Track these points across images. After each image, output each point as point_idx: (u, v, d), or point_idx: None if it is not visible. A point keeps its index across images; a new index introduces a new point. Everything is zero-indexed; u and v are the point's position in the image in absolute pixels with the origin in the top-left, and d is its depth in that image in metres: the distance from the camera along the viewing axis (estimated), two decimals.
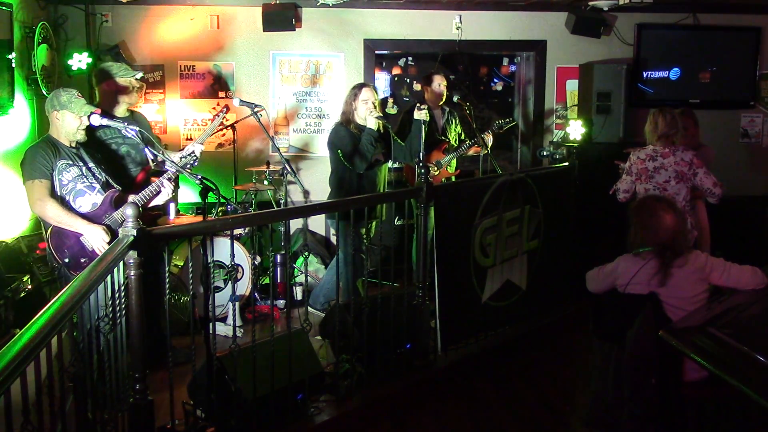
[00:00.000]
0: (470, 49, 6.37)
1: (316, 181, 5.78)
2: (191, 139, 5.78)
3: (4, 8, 4.38)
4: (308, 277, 4.94)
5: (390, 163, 5.37)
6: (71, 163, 3.44)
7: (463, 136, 5.46)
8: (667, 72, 6.34)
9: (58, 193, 3.39)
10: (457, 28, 6.07)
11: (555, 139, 6.26)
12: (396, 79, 8.06)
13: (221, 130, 5.27)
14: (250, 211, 4.95)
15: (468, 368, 4.05)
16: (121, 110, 3.98)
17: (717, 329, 2.63)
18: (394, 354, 3.74)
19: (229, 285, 4.16)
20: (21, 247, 4.13)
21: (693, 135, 4.77)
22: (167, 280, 3.24)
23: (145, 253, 2.63)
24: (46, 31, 5.03)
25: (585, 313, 3.94)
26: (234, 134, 5.25)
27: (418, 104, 4.84)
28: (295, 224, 5.59)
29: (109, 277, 2.43)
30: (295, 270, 5.41)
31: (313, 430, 3.27)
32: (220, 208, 4.40)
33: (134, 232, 2.57)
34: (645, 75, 6.29)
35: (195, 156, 3.88)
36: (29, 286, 3.85)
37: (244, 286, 4.82)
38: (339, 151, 4.62)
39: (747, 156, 6.61)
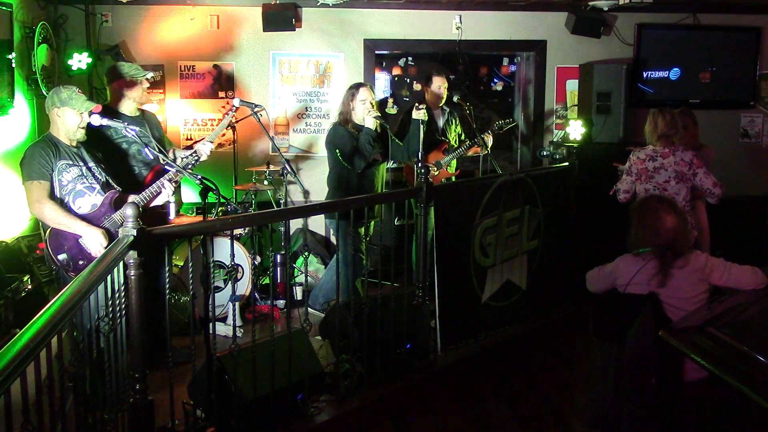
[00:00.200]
0: (470, 49, 6.37)
1: (316, 181, 5.78)
2: (191, 138, 5.78)
3: (4, 8, 4.38)
4: (308, 277, 4.94)
5: (390, 163, 5.37)
6: (71, 163, 3.42)
7: (463, 137, 5.46)
8: (667, 72, 6.34)
9: (58, 195, 3.36)
10: (457, 28, 6.07)
11: (555, 139, 6.26)
12: (396, 79, 8.06)
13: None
14: (250, 211, 4.95)
15: (468, 368, 4.05)
16: (131, 109, 3.99)
17: (717, 329, 2.63)
18: (394, 354, 3.74)
19: (229, 285, 4.16)
20: (21, 247, 4.13)
21: (693, 134, 4.77)
22: (167, 279, 3.25)
23: (145, 253, 2.63)
24: (46, 31, 5.03)
25: (585, 313, 3.94)
26: (234, 134, 5.26)
27: (416, 104, 4.84)
28: (295, 224, 5.59)
29: (109, 277, 2.43)
30: (295, 270, 5.41)
31: (313, 430, 3.27)
32: (220, 208, 4.40)
33: (134, 232, 2.57)
34: (645, 75, 6.29)
35: (196, 156, 3.87)
36: (29, 286, 3.85)
37: (244, 286, 4.82)
38: (337, 150, 4.62)
39: (747, 156, 6.61)
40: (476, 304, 4.14)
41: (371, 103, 4.63)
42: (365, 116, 4.57)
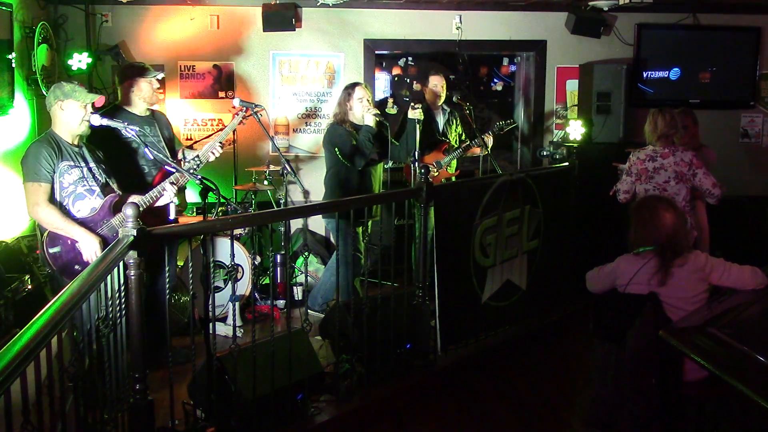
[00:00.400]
0: (470, 49, 6.37)
1: (316, 181, 5.76)
2: (191, 138, 5.78)
3: (4, 8, 4.38)
4: (308, 277, 4.94)
5: (390, 163, 5.37)
6: (73, 164, 3.37)
7: (463, 137, 5.47)
8: (667, 72, 6.34)
9: (57, 197, 3.32)
10: (457, 28, 6.07)
11: (555, 139, 6.26)
12: (396, 79, 8.07)
13: (221, 129, 5.22)
14: (250, 211, 4.95)
15: (468, 368, 4.05)
16: (141, 109, 3.99)
17: (717, 329, 2.63)
18: (394, 354, 3.74)
19: (229, 285, 4.16)
20: (21, 247, 4.13)
21: (693, 134, 4.77)
22: (167, 279, 3.25)
23: (145, 253, 2.63)
24: (46, 31, 5.03)
25: (585, 313, 3.94)
26: (234, 134, 5.25)
27: (411, 104, 4.85)
28: (295, 224, 5.59)
29: (109, 277, 2.43)
30: (295, 270, 5.41)
31: (313, 430, 3.27)
32: (220, 208, 4.40)
33: (134, 232, 2.57)
34: (645, 75, 6.29)
35: (198, 161, 3.87)
36: (29, 286, 3.85)
37: (244, 286, 4.82)
38: (337, 149, 4.63)
39: (747, 156, 6.61)
40: (476, 304, 4.14)
41: (368, 101, 4.64)
42: (364, 114, 4.58)
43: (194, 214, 5.14)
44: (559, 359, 4.38)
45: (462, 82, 8.00)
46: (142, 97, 3.96)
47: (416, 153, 4.68)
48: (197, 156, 3.89)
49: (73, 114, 3.37)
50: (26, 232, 4.41)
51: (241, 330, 4.46)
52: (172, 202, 3.77)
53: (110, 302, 2.47)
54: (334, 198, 4.71)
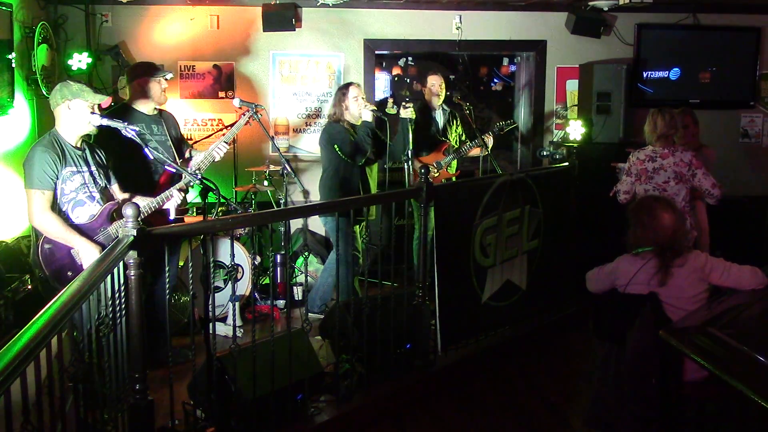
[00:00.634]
0: (470, 49, 6.37)
1: (316, 181, 5.73)
2: (191, 139, 5.78)
3: (4, 8, 4.38)
4: (308, 277, 4.94)
5: (389, 163, 5.37)
6: (75, 170, 3.31)
7: (464, 137, 5.47)
8: (667, 72, 6.34)
9: (57, 202, 3.27)
10: (457, 28, 6.07)
11: (555, 139, 6.26)
12: (396, 79, 8.07)
13: (221, 129, 5.25)
14: (250, 211, 4.95)
15: (468, 368, 4.05)
16: (149, 108, 3.99)
17: (717, 329, 2.63)
18: (394, 354, 3.74)
19: (229, 285, 4.16)
20: (21, 247, 4.13)
21: (694, 134, 4.77)
22: (167, 279, 3.24)
23: (145, 253, 2.63)
24: (46, 31, 5.03)
25: (585, 313, 3.94)
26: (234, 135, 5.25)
27: (403, 103, 4.87)
28: (295, 224, 5.59)
29: (109, 277, 2.43)
30: (295, 270, 5.41)
31: (313, 430, 3.27)
32: (220, 208, 4.40)
33: (134, 232, 2.57)
34: (645, 75, 6.29)
35: (208, 161, 3.88)
36: (29, 286, 3.84)
37: (244, 286, 4.82)
38: (336, 146, 4.64)
39: (747, 156, 6.60)
40: (476, 304, 4.14)
41: (363, 98, 4.71)
42: (362, 111, 4.64)
43: (194, 214, 5.14)
44: (559, 359, 4.38)
45: (462, 82, 8.00)
46: (151, 96, 3.96)
47: (409, 152, 4.71)
48: (204, 157, 3.89)
49: (81, 114, 3.30)
50: (26, 232, 4.41)
51: (241, 330, 4.46)
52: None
53: (110, 302, 2.47)
54: (333, 197, 4.71)
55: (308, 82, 5.98)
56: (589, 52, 6.22)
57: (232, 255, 3.14)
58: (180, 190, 3.60)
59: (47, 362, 1.89)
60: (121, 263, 2.55)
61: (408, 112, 4.79)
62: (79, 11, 5.52)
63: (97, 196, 3.40)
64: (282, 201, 5.16)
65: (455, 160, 5.35)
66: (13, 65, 4.47)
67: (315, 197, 5.81)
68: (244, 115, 4.15)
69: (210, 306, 3.12)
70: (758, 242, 6.00)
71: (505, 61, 8.01)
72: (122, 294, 2.57)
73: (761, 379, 2.28)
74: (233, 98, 4.94)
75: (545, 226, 4.60)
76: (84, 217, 3.34)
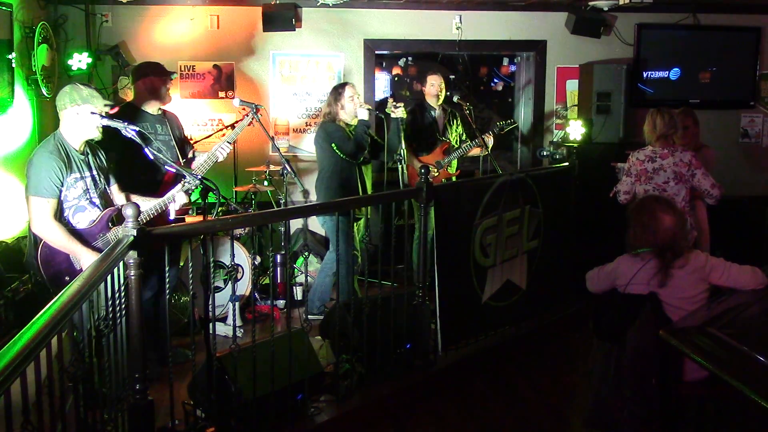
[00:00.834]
0: (470, 49, 6.37)
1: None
2: (191, 139, 5.77)
3: (4, 8, 4.38)
4: (308, 277, 4.94)
5: (389, 163, 5.37)
6: (79, 176, 3.26)
7: (464, 137, 5.47)
8: (667, 72, 6.34)
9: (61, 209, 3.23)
10: (457, 28, 6.07)
11: (555, 139, 6.26)
12: (396, 79, 8.06)
13: (221, 130, 5.24)
14: (250, 212, 4.95)
15: (468, 368, 4.05)
16: (153, 108, 3.99)
17: (717, 329, 2.63)
18: (394, 354, 3.74)
19: (229, 285, 4.16)
20: (21, 247, 4.13)
21: (694, 134, 4.76)
22: (167, 279, 3.24)
23: (145, 253, 2.63)
24: (46, 31, 5.03)
25: (585, 313, 3.94)
26: None
27: (394, 103, 4.87)
28: (295, 224, 5.59)
29: (109, 277, 2.43)
30: (295, 270, 5.41)
31: (313, 430, 3.27)
32: (220, 208, 4.40)
33: (134, 232, 2.57)
34: (645, 75, 6.29)
35: (211, 161, 3.87)
36: (29, 286, 3.84)
37: (244, 286, 4.82)
38: (334, 144, 4.65)
39: (747, 156, 6.61)
40: (476, 304, 4.14)
41: (358, 97, 4.75)
42: (358, 110, 4.67)
43: (194, 214, 5.14)
44: (559, 359, 4.37)
45: (462, 82, 7.99)
46: (157, 96, 3.95)
47: (402, 152, 4.72)
48: (207, 158, 3.89)
49: (88, 120, 3.22)
50: (26, 232, 4.40)
51: (241, 330, 4.46)
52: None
53: (110, 302, 2.47)
54: (333, 197, 4.71)
55: (308, 82, 5.98)
56: (589, 52, 6.22)
57: (232, 255, 3.14)
58: (186, 192, 3.57)
59: (47, 362, 1.89)
60: (121, 263, 2.55)
61: (399, 112, 4.83)
62: (79, 11, 5.52)
63: (98, 201, 3.35)
64: (282, 201, 5.16)
65: (455, 160, 5.35)
66: (13, 65, 4.47)
67: (315, 197, 5.82)
68: (248, 115, 4.15)
69: (210, 306, 3.12)
70: (758, 242, 6.00)
71: (505, 61, 7.99)
72: (122, 294, 2.57)
73: (761, 379, 2.28)
74: (233, 98, 4.93)
75: (545, 226, 4.60)
76: (84, 222, 3.30)
